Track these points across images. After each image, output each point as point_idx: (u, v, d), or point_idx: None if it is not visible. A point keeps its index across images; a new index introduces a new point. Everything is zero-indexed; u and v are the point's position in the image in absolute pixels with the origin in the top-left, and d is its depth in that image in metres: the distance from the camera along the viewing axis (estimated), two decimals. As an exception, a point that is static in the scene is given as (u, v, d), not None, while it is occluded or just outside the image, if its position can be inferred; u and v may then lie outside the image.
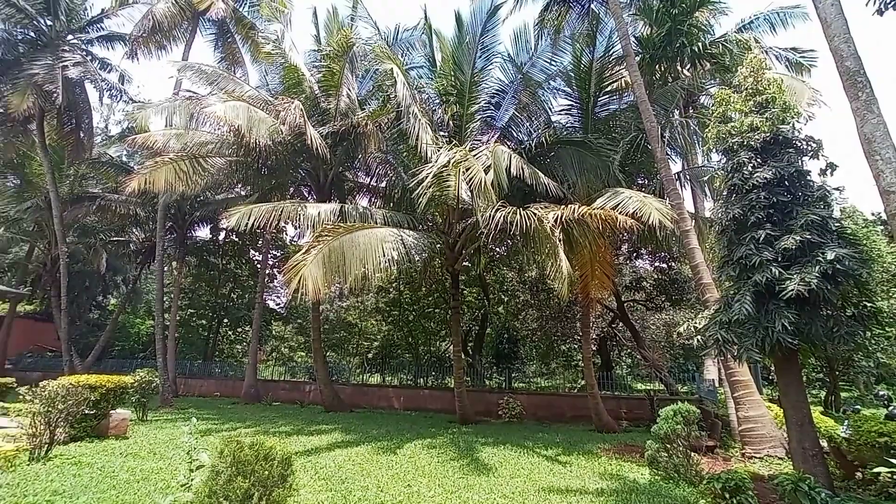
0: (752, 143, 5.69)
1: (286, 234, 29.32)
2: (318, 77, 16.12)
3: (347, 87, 15.97)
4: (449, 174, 10.79)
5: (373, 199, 19.11)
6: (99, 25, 20.65)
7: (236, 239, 29.17)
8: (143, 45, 19.59)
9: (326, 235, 10.19)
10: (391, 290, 25.62)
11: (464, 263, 16.16)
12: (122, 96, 21.56)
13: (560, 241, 10.04)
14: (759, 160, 5.63)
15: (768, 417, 8.30)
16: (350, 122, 14.48)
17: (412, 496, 5.35)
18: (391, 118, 14.04)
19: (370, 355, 28.18)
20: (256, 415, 14.11)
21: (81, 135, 20.36)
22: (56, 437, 7.55)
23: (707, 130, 6.54)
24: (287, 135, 13.77)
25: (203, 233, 28.74)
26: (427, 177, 10.61)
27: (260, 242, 29.64)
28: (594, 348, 17.80)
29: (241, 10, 20.65)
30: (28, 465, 6.76)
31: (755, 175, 5.45)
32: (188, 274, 29.86)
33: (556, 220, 9.83)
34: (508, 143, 14.06)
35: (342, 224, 11.12)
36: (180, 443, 9.18)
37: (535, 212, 9.95)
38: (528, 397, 15.47)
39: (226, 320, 31.84)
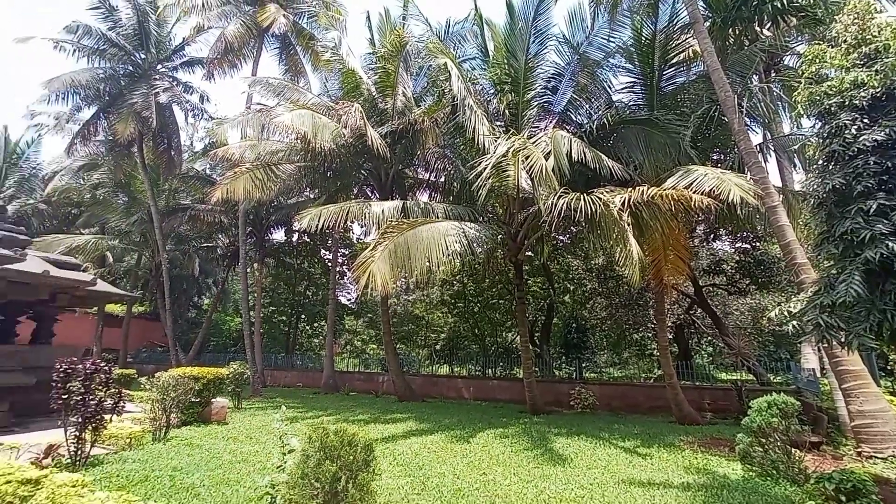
0: (857, 101, 4.99)
1: (353, 232, 30.65)
2: (375, 79, 16.60)
3: (403, 85, 16.29)
4: (508, 164, 10.67)
5: (433, 194, 19.42)
6: (181, 53, 22.81)
7: (308, 240, 31.04)
8: (218, 65, 21.31)
9: (391, 232, 10.53)
10: (455, 282, 25.92)
11: (527, 253, 15.93)
12: (202, 115, 23.72)
13: (629, 225, 9.57)
14: (865, 121, 4.94)
15: (891, 413, 7.35)
16: (407, 120, 14.78)
17: (488, 484, 5.44)
18: (447, 112, 14.12)
19: (438, 347, 28.79)
20: (336, 404, 15.00)
21: (172, 153, 22.66)
22: (171, 422, 8.59)
23: (795, 94, 5.85)
24: (349, 137, 14.36)
25: (279, 235, 30.94)
26: (485, 168, 10.57)
27: (329, 242, 31.28)
28: (670, 336, 16.79)
29: (300, 22, 21.75)
30: (152, 444, 7.77)
31: (861, 138, 4.79)
32: (268, 274, 32.30)
33: (623, 204, 9.37)
34: (568, 128, 13.56)
35: (405, 220, 11.43)
36: (272, 429, 10.01)
37: (600, 196, 9.56)
38: (600, 387, 15.01)
39: (303, 316, 34.04)
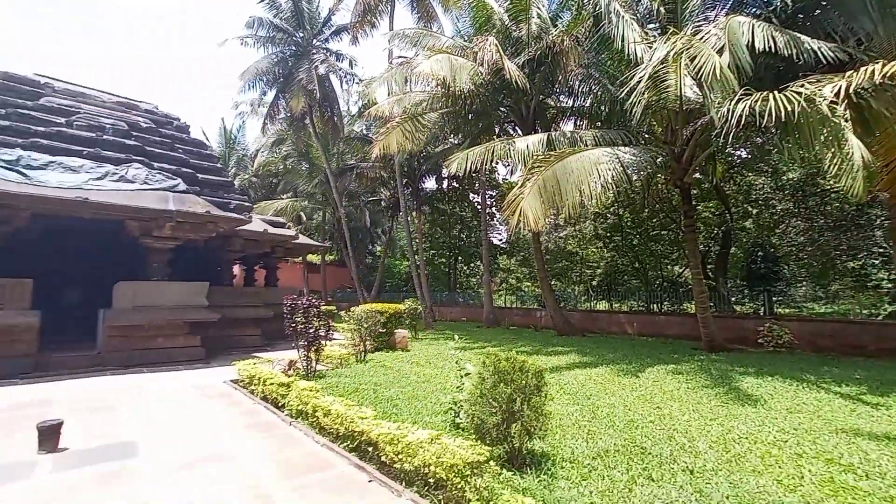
0: None
1: (498, 173, 30.78)
2: (507, 5, 15.60)
3: (536, 6, 14.98)
4: (667, 71, 9.14)
5: (579, 122, 17.96)
6: (329, 24, 24.86)
7: (457, 185, 32.43)
8: (360, 28, 22.67)
9: (538, 166, 10.23)
10: (609, 215, 24.28)
11: (695, 175, 13.81)
12: (353, 79, 25.85)
13: (846, 121, 7.40)
14: None
15: None
16: (544, 44, 13.68)
17: (664, 418, 5.29)
18: (588, 26, 12.58)
19: (594, 282, 27.89)
20: (498, 336, 16.05)
21: (335, 119, 25.52)
22: (367, 347, 10.42)
23: None
24: (486, 75, 14.04)
25: (430, 184, 33.00)
26: (639, 81, 9.25)
27: (477, 185, 32.15)
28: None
29: (428, -36, 21.37)
30: (355, 364, 9.63)
31: None
32: (425, 221, 35.08)
33: (837, 94, 7.25)
34: (747, 11, 10.79)
35: (552, 153, 10.94)
36: (447, 356, 11.30)
37: (799, 91, 7.54)
38: (799, 324, 12.72)
39: (460, 257, 36.40)
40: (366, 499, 3.51)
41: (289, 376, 7.14)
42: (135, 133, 11.52)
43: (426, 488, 3.51)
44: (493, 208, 34.79)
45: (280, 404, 6.18)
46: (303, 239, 15.22)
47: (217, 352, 10.80)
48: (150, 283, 9.68)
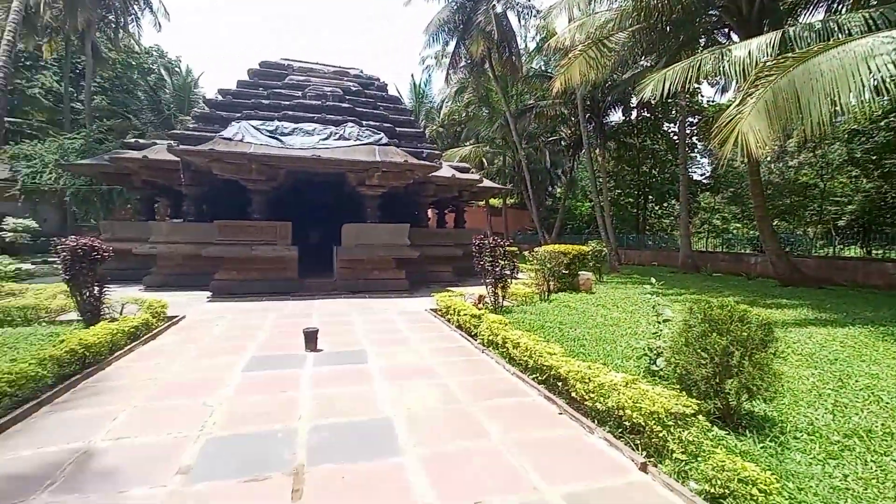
0: None
1: (701, 95, 25.67)
2: None
3: None
4: None
5: (836, 6, 13.20)
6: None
7: (648, 115, 28.46)
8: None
9: (766, 75, 8.07)
10: (875, 131, 17.96)
11: None
12: (531, 12, 24.34)
13: None
14: None
15: None
16: None
17: (960, 400, 3.90)
18: None
19: (840, 223, 21.64)
20: (697, 283, 14.14)
21: (513, 59, 24.76)
22: (550, 287, 10.50)
23: None
24: (697, -33, 11.38)
25: (616, 117, 29.84)
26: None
27: (673, 112, 27.56)
28: None
29: None
30: (539, 303, 9.86)
31: None
32: (610, 158, 32.18)
33: None
34: None
35: (788, 55, 8.41)
36: (636, 300, 10.59)
37: None
38: None
39: (650, 196, 32.61)
40: (556, 428, 3.65)
41: (479, 309, 7.78)
42: (347, 97, 13.48)
43: (619, 430, 3.45)
44: (694, 138, 29.54)
45: (472, 333, 6.82)
46: (486, 183, 15.80)
47: (417, 284, 12.44)
48: (367, 225, 11.58)
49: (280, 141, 10.61)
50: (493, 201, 35.88)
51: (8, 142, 24.02)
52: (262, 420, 3.64)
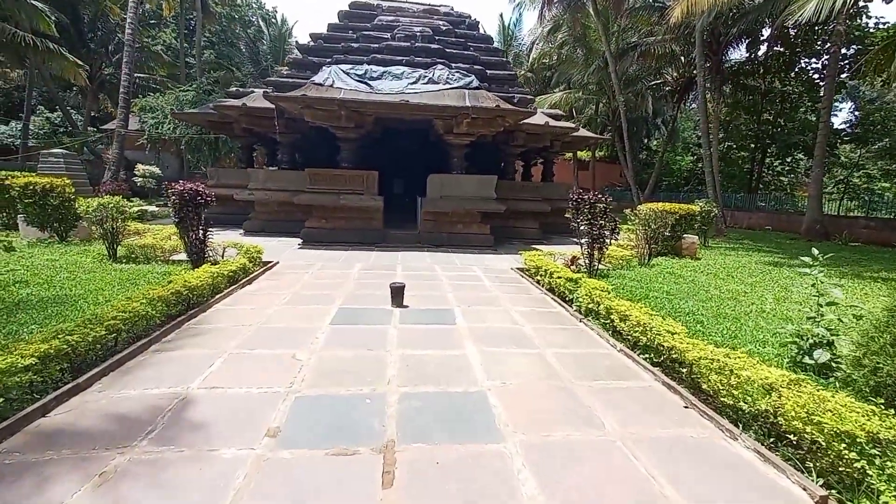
0: None
1: (867, 16, 20.64)
2: None
3: None
4: None
5: None
6: None
7: (781, 49, 23.81)
8: None
9: None
10: None
11: None
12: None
13: None
14: None
15: None
16: None
17: None
18: None
19: None
20: (842, 255, 11.90)
21: (620, -14, 21.70)
22: (651, 251, 9.36)
23: None
24: None
25: (736, 55, 25.47)
26: None
27: (819, 44, 22.72)
28: None
29: None
30: (638, 268, 8.85)
31: None
32: (723, 104, 27.89)
33: None
34: None
35: None
36: (752, 270, 9.13)
37: None
38: None
39: (770, 149, 28.04)
40: (685, 427, 3.02)
41: (572, 272, 7.09)
42: (437, 37, 12.64)
43: (771, 439, 2.74)
44: (843, 75, 24.37)
45: (567, 298, 6.20)
46: (581, 131, 14.35)
47: (500, 240, 11.87)
48: (452, 176, 11.08)
49: (368, 85, 10.27)
50: (580, 154, 33.32)
51: (136, 95, 26.74)
52: (350, 380, 3.46)
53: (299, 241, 10.75)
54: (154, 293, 4.46)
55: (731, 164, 30.43)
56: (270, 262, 8.17)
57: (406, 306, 5.68)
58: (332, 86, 10.08)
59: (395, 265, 8.63)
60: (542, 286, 7.18)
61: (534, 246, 12.35)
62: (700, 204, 13.16)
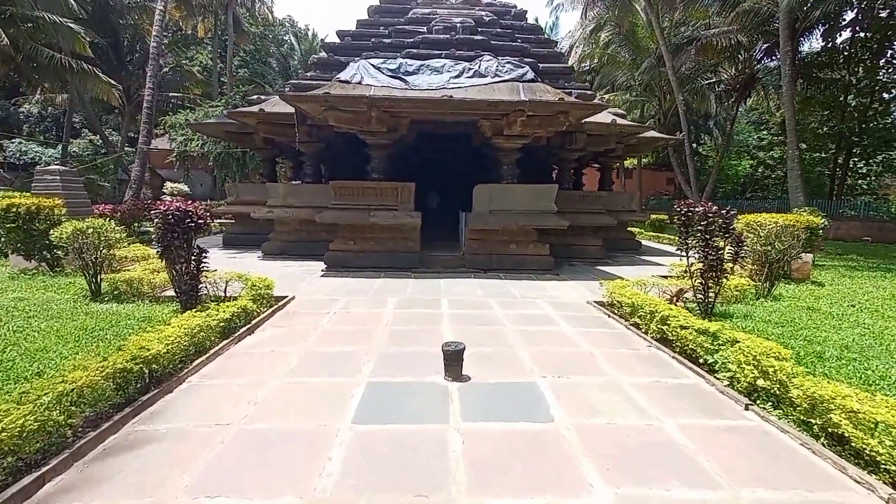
0: None
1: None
2: None
3: None
4: None
5: None
6: None
7: (867, 35, 20.86)
8: None
9: None
10: None
11: None
12: None
13: None
14: None
15: None
16: None
17: None
18: None
19: None
20: None
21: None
22: (772, 277, 7.13)
23: None
24: None
25: (805, 46, 22.68)
26: None
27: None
28: None
29: None
30: (758, 301, 6.64)
31: None
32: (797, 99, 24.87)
33: None
34: None
35: None
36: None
37: None
38: None
39: (855, 149, 24.64)
40: None
41: (676, 307, 5.06)
42: (480, 28, 10.96)
43: None
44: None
45: (698, 358, 4.16)
46: (651, 132, 12.25)
47: (557, 261, 9.86)
48: (504, 186, 9.23)
49: (404, 81, 8.63)
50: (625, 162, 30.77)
51: (168, 113, 26.59)
52: None
53: (323, 266, 9.14)
54: (76, 380, 2.78)
55: (803, 168, 27.11)
56: (284, 297, 6.52)
57: (466, 378, 3.80)
58: (360, 83, 8.49)
59: (438, 299, 6.79)
60: (647, 333, 5.15)
61: (599, 268, 10.27)
62: (804, 214, 10.73)
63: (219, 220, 19.96)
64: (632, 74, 26.46)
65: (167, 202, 5.33)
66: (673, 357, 4.44)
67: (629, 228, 14.40)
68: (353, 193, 9.05)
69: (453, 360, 3.72)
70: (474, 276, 8.81)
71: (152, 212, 5.27)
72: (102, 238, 6.21)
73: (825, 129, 24.82)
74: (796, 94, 24.33)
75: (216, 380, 3.71)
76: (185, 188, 23.27)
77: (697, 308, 5.85)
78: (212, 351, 4.25)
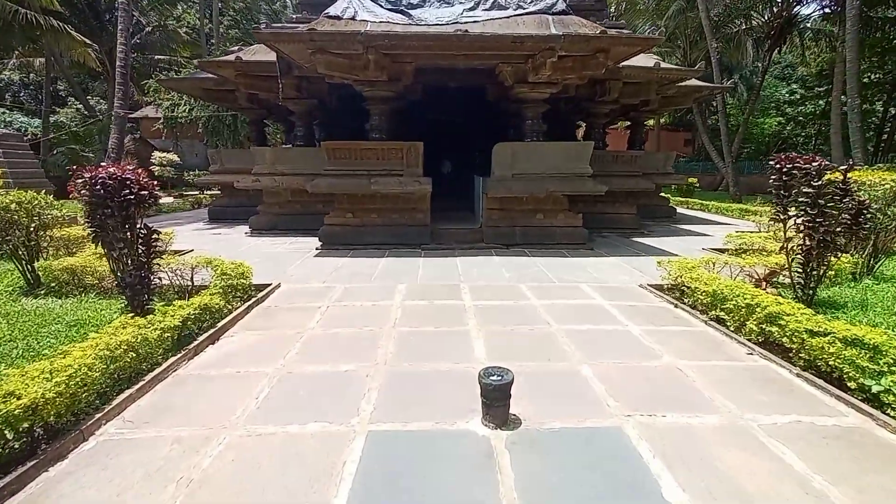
0: None
1: None
2: None
3: None
4: None
5: None
6: None
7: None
8: None
9: None
10: None
11: None
12: None
13: None
14: None
15: None
16: None
17: None
18: None
19: None
20: None
21: None
22: (877, 251, 5.76)
23: None
24: None
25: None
26: None
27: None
28: None
29: None
30: (858, 282, 5.31)
31: None
32: (825, 48, 22.53)
33: None
34: None
35: None
36: None
37: None
38: None
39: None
40: None
41: (764, 291, 3.78)
42: (494, -47, 9.13)
43: None
44: None
45: (852, 382, 2.88)
46: (694, 80, 10.55)
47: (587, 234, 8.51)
48: (529, 144, 7.76)
49: (407, 15, 7.02)
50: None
51: (152, 76, 24.70)
52: None
53: (318, 243, 7.85)
54: None
55: (843, 123, 24.98)
56: (267, 286, 5.27)
57: (515, 421, 2.54)
58: (353, 18, 6.91)
59: (457, 286, 5.50)
60: (739, 333, 3.86)
61: (636, 240, 8.92)
62: (880, 173, 9.18)
63: (209, 192, 18.61)
64: (654, 22, 24.05)
65: (100, 167, 3.99)
66: (798, 375, 3.15)
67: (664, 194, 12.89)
68: (350, 157, 7.62)
69: (497, 398, 2.46)
70: (495, 252, 7.49)
71: (77, 181, 3.94)
72: (33, 215, 4.91)
73: (873, 77, 22.54)
74: (838, 38, 22.04)
75: (142, 431, 2.48)
76: (176, 158, 21.73)
77: (792, 294, 4.55)
78: (152, 375, 3.02)
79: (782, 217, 4.33)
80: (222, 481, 2.06)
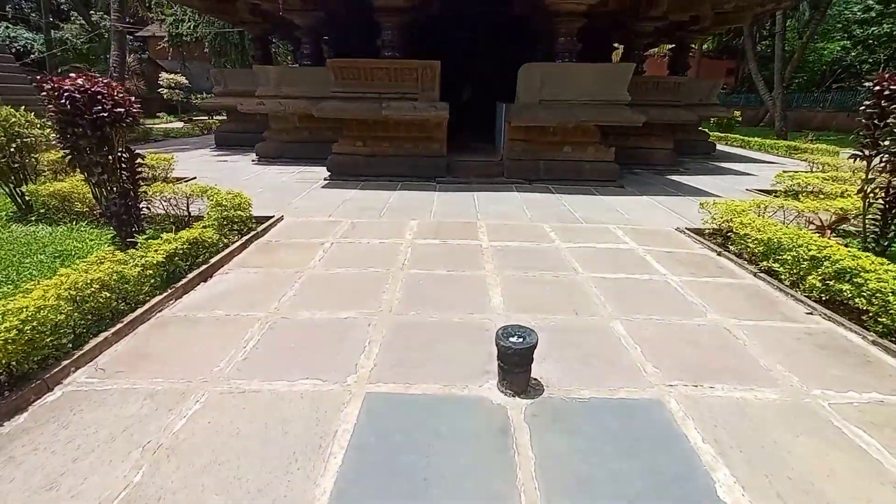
0: None
1: None
2: None
3: None
4: None
5: None
6: None
7: None
8: None
9: None
10: None
11: None
12: None
13: None
14: None
15: None
16: None
17: None
18: None
19: None
20: None
21: None
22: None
23: None
24: None
25: None
26: None
27: None
28: None
29: None
30: None
31: None
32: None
33: None
34: None
35: None
36: None
37: None
38: None
39: None
40: None
41: (830, 240, 3.22)
42: None
43: None
44: None
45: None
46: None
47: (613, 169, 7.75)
48: (560, 66, 6.83)
49: None
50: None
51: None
52: None
53: (326, 173, 7.34)
54: None
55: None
56: (269, 218, 4.88)
57: (537, 388, 2.18)
58: None
59: (473, 224, 5.02)
60: (795, 287, 3.36)
61: (670, 177, 8.16)
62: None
63: (218, 117, 17.86)
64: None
65: (67, 78, 3.46)
66: (874, 343, 2.68)
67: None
68: (359, 77, 6.85)
69: (516, 364, 2.07)
70: (517, 188, 6.90)
71: (41, 93, 3.44)
72: (12, 134, 4.49)
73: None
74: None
75: (114, 381, 2.20)
76: (184, 80, 20.74)
77: (859, 245, 3.96)
78: (132, 315, 2.73)
79: (868, 153, 3.62)
80: (193, 450, 1.77)
